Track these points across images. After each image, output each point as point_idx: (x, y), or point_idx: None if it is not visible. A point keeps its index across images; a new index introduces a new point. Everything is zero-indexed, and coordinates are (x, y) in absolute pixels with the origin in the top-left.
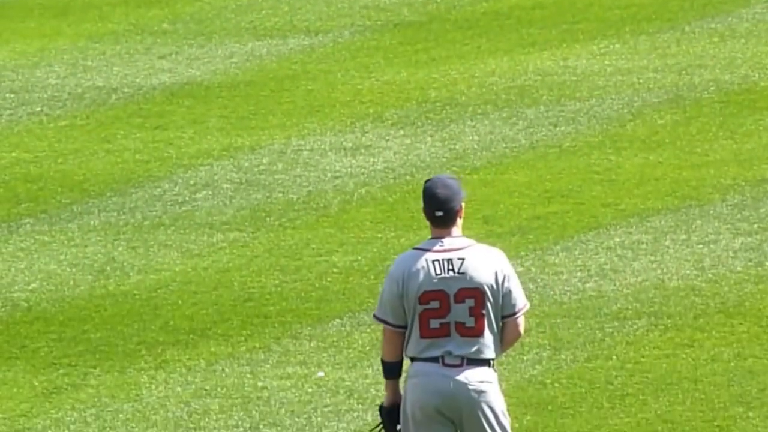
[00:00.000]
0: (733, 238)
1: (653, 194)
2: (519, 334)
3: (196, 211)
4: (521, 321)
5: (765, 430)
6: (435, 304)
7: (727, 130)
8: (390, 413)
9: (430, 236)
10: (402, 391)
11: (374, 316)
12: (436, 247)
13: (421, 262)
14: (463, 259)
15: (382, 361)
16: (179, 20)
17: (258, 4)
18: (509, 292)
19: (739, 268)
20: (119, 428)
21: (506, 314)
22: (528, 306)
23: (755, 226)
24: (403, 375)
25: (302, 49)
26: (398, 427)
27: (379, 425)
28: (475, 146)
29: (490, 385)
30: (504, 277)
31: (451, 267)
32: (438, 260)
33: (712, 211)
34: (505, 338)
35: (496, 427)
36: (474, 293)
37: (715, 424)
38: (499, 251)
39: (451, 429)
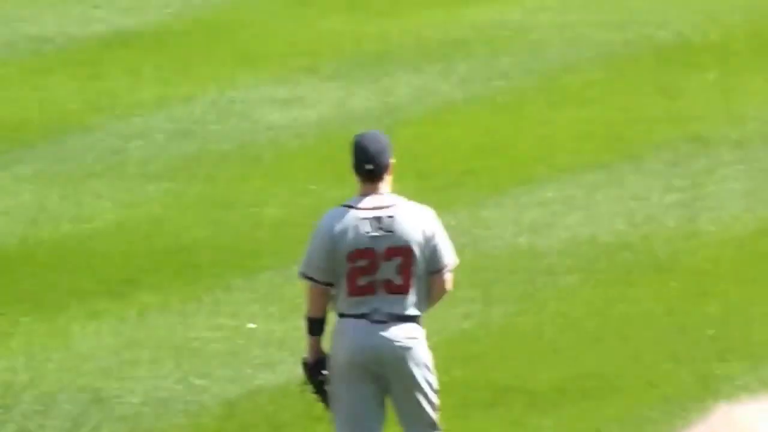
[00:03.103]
0: (665, 194)
1: (586, 149)
2: (446, 290)
3: (129, 161)
4: (449, 277)
5: (695, 386)
6: (363, 263)
7: (660, 87)
8: (313, 369)
9: (358, 193)
10: (327, 347)
11: (300, 273)
12: (365, 204)
13: (350, 220)
14: (392, 217)
15: (307, 318)
16: None
17: None
18: (436, 248)
19: (670, 224)
20: (49, 377)
21: (433, 270)
22: (456, 262)
23: (687, 182)
24: (331, 329)
25: None
26: (322, 379)
27: (305, 381)
28: (409, 99)
29: (416, 341)
30: (432, 234)
31: (380, 225)
32: (367, 218)
33: (644, 167)
34: (432, 294)
35: (422, 383)
36: (402, 251)
37: (646, 379)
38: (427, 208)
39: (377, 384)
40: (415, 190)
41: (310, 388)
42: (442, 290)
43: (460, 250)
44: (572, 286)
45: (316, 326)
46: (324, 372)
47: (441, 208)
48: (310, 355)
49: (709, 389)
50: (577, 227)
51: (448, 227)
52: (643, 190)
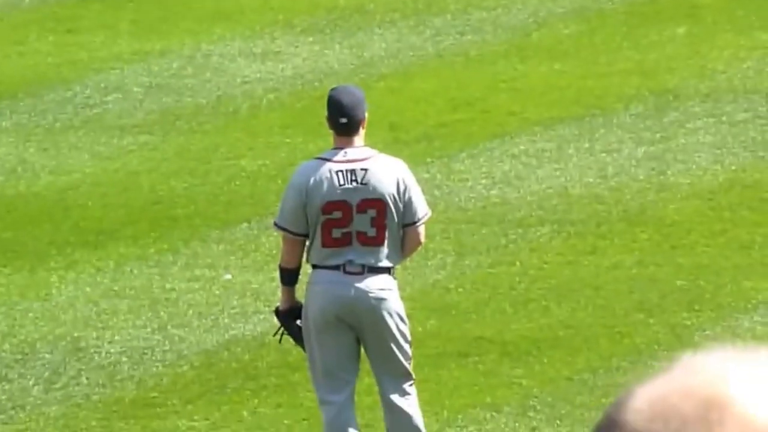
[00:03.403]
0: (636, 147)
1: (558, 103)
2: (419, 243)
3: (107, 114)
4: (422, 230)
5: (665, 336)
6: (337, 214)
7: (631, 41)
8: (286, 317)
9: (332, 146)
10: (301, 298)
11: (275, 224)
12: (339, 157)
13: (324, 173)
14: (366, 169)
15: (281, 268)
16: None
17: None
18: (410, 201)
19: (641, 177)
20: (28, 326)
21: (407, 223)
22: (429, 214)
23: (657, 135)
24: (305, 281)
25: None
26: (296, 326)
27: (280, 328)
28: (383, 54)
29: (390, 292)
30: (405, 187)
31: (354, 178)
32: (341, 171)
33: (615, 120)
34: (406, 246)
35: (396, 333)
36: (376, 204)
37: (616, 330)
38: (400, 161)
39: (351, 335)
40: (389, 144)
41: (285, 332)
42: (416, 242)
43: (433, 203)
44: (544, 238)
45: (290, 276)
46: (298, 321)
47: (414, 161)
48: (284, 304)
49: (680, 339)
50: (548, 180)
51: (421, 180)
52: (614, 143)
